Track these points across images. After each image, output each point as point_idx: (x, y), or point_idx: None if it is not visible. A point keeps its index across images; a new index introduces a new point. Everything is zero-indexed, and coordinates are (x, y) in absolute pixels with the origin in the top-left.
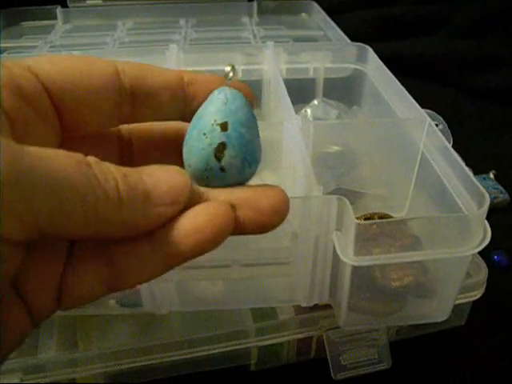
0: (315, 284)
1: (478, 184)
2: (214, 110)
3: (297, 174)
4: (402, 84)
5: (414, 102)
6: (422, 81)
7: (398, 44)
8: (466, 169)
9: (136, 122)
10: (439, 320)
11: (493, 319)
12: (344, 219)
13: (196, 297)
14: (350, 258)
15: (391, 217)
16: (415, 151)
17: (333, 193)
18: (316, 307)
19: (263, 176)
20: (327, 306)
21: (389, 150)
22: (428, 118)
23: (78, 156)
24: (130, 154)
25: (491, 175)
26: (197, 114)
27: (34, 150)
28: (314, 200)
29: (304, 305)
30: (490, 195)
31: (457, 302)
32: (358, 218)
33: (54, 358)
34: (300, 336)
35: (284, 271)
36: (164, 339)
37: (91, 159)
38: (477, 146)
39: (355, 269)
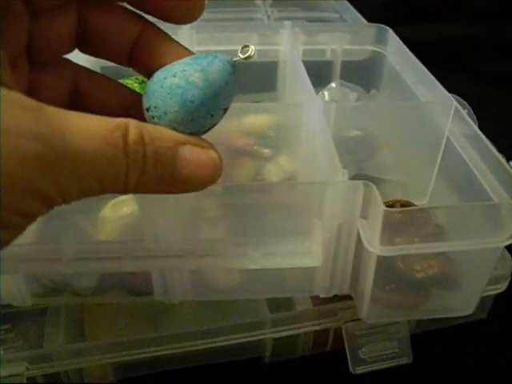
0: (336, 274)
1: None
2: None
3: (317, 158)
4: None
5: (439, 84)
6: (440, 66)
7: (414, 29)
8: (498, 155)
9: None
10: (464, 314)
11: None
12: (370, 206)
13: (210, 286)
14: (375, 247)
15: (414, 205)
16: (440, 136)
17: (353, 179)
18: (334, 298)
19: (280, 161)
20: (346, 297)
21: (412, 135)
22: (455, 102)
23: (120, 128)
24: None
25: (511, 164)
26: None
27: (58, 112)
28: (338, 185)
29: (323, 296)
30: None
31: None
32: None
33: (60, 348)
34: (317, 328)
35: (304, 261)
36: (176, 329)
37: (132, 124)
38: (496, 135)
39: (380, 259)
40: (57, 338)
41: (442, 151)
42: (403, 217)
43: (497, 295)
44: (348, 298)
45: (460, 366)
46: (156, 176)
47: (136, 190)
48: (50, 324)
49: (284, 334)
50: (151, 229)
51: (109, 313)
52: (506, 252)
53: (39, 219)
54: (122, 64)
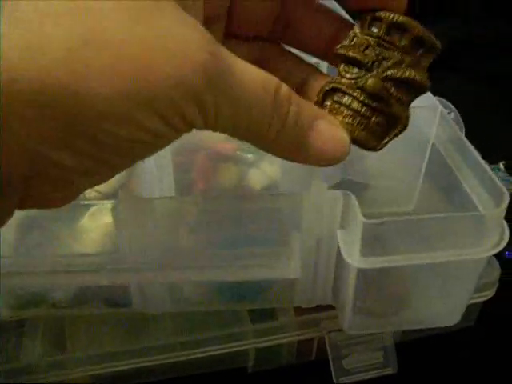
0: (317, 285)
1: (496, 180)
2: None
3: (299, 166)
4: None
5: None
6: (432, 67)
7: None
8: (482, 162)
9: None
10: (449, 324)
11: (503, 319)
12: (350, 217)
13: (188, 297)
14: (355, 259)
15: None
16: (425, 141)
17: (338, 185)
18: (318, 308)
19: (262, 167)
20: (329, 307)
21: (398, 140)
22: (440, 106)
23: (275, 80)
24: None
25: (501, 166)
26: None
27: (236, 60)
28: (317, 196)
29: (305, 306)
30: None
31: None
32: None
33: (37, 361)
34: (300, 338)
35: (282, 274)
36: (157, 341)
37: (284, 84)
38: (486, 135)
39: (361, 271)
40: (34, 350)
41: (427, 156)
42: (384, 228)
43: (484, 302)
44: (331, 307)
45: (446, 375)
46: (291, 136)
47: (271, 144)
48: (27, 336)
49: (266, 344)
50: (127, 240)
51: (90, 324)
52: (494, 259)
53: (15, 230)
54: (316, 57)
